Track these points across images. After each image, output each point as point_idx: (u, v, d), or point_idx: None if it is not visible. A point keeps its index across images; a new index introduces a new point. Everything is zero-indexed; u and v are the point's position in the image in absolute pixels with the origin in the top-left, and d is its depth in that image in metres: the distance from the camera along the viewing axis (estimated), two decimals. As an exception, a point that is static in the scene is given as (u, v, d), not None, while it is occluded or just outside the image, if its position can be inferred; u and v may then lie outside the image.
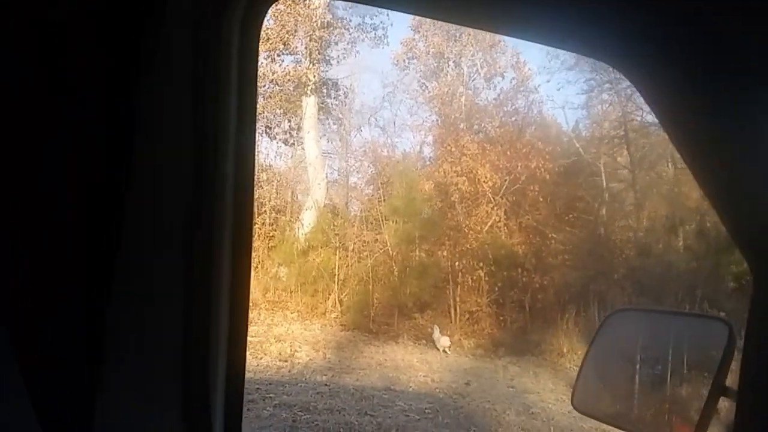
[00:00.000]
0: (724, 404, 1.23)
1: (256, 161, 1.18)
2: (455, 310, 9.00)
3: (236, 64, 1.07)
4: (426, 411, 6.08)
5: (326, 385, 6.68)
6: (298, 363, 7.40)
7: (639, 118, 10.08)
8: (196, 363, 1.00)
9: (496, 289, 9.14)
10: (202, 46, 0.96)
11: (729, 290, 7.26)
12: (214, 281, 1.03)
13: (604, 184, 10.06)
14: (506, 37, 11.22)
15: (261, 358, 7.36)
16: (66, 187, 0.78)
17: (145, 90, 0.86)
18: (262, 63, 10.21)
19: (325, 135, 11.46)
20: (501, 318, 8.99)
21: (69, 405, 0.81)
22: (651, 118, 9.80)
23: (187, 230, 0.98)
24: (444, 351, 8.24)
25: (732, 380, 1.19)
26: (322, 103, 11.18)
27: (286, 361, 7.44)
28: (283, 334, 8.17)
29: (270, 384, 6.45)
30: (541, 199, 9.66)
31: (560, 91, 14.91)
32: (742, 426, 1.14)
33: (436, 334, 8.32)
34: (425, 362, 7.81)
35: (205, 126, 0.98)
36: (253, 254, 9.83)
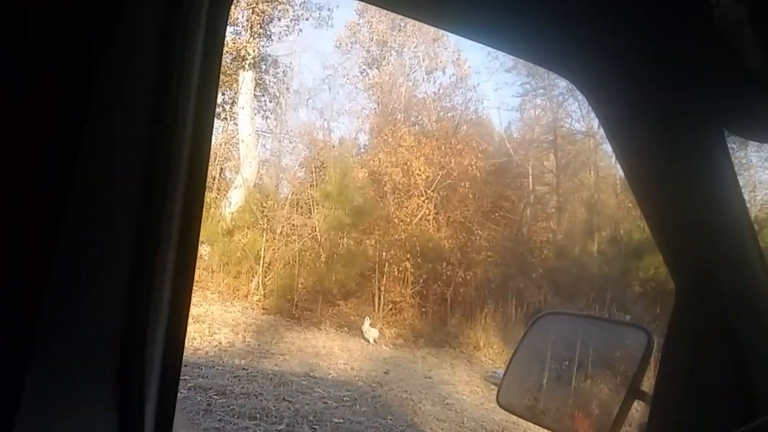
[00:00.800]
0: (638, 407, 1.30)
1: (210, 148, 1.12)
2: (379, 299, 9.07)
3: (202, 37, 1.01)
4: (344, 399, 6.10)
5: (244, 369, 6.54)
6: (216, 345, 7.21)
7: (568, 125, 10.56)
8: (133, 349, 0.95)
9: (421, 280, 9.30)
10: (167, 22, 0.90)
11: (636, 294, 7.76)
12: (158, 265, 0.98)
13: (531, 185, 10.46)
14: (449, 33, 11.36)
15: (177, 339, 7.09)
16: (12, 151, 0.71)
17: (105, 65, 0.79)
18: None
19: (260, 112, 11.16)
20: (423, 309, 9.16)
21: None
22: (579, 125, 10.28)
23: (134, 216, 0.92)
24: (374, 342, 8.29)
25: (647, 385, 1.26)
26: (260, 80, 10.87)
27: (203, 342, 7.23)
28: (202, 315, 7.92)
29: (185, 366, 6.23)
30: (470, 196, 9.90)
31: (497, 92, 15.27)
32: (653, 427, 1.21)
33: (366, 325, 8.34)
34: (346, 350, 7.83)
35: (162, 107, 0.92)
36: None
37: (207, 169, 1.09)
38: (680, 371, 1.19)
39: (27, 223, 0.73)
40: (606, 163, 9.97)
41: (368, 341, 8.28)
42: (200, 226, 1.12)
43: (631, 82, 1.03)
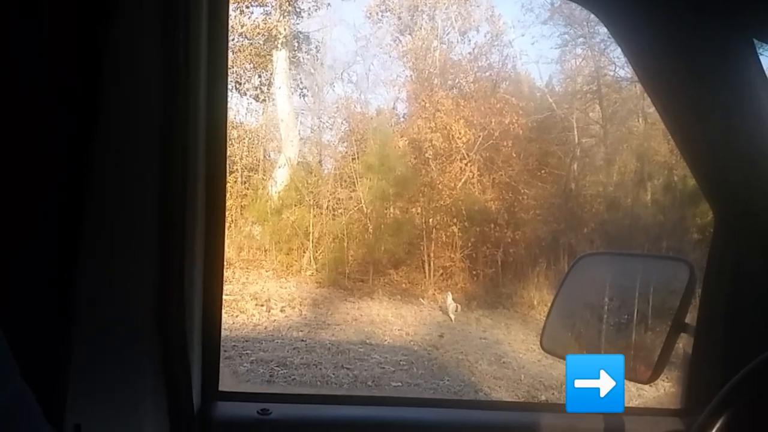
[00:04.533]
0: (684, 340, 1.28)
1: (227, 119, 1.15)
2: (429, 265, 9.11)
3: (206, 15, 1.03)
4: (401, 363, 6.23)
5: (302, 340, 6.76)
6: (274, 320, 7.47)
7: (612, 73, 10.12)
8: (173, 319, 1.00)
9: (470, 244, 9.26)
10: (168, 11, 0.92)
11: (693, 241, 7.50)
12: (188, 235, 1.02)
13: (576, 139, 10.15)
14: (480, -10, 11.03)
15: (237, 316, 7.39)
16: (33, 136, 0.75)
17: (112, 42, 0.82)
18: (231, 16, 9.81)
19: (296, 90, 11.22)
20: (474, 272, 9.15)
21: (44, 365, 0.80)
22: (623, 72, 9.84)
23: (160, 188, 0.96)
24: (452, 317, 8.07)
25: (692, 318, 1.25)
26: (294, 58, 10.90)
27: (262, 318, 7.49)
28: (259, 292, 8.19)
29: (246, 341, 6.50)
30: (514, 155, 9.71)
31: (534, 46, 14.78)
32: (697, 359, 1.20)
33: (449, 300, 8.13)
34: (400, 317, 7.95)
35: (174, 80, 0.95)
36: (227, 213, 9.78)
37: (226, 147, 1.13)
38: (721, 301, 1.17)
39: (51, 216, 0.77)
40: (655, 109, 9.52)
41: (451, 317, 8.06)
42: (225, 201, 1.17)
43: (652, 2, 0.99)
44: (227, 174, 1.17)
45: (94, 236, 0.82)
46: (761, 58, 0.95)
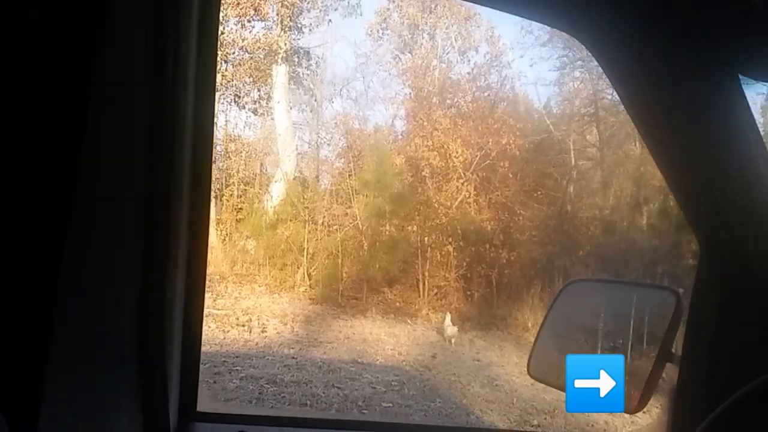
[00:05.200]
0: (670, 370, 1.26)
1: (215, 130, 1.15)
2: (424, 284, 9.07)
3: (196, 26, 1.03)
4: (392, 383, 6.16)
5: (294, 358, 6.70)
6: (266, 336, 7.40)
7: (609, 97, 10.19)
8: (153, 338, 0.98)
9: (464, 264, 9.23)
10: (161, 7, 0.92)
11: (688, 267, 7.49)
12: (171, 253, 1.00)
13: (573, 161, 10.19)
14: (481, 11, 11.15)
15: (228, 332, 7.33)
16: (15, 139, 0.73)
17: (102, 51, 0.82)
18: (231, 29, 9.92)
19: (295, 105, 11.27)
20: (468, 293, 9.11)
21: (16, 382, 0.78)
22: (620, 97, 9.91)
23: (144, 202, 0.94)
24: (449, 341, 7.83)
25: (679, 347, 1.23)
26: (293, 73, 10.97)
27: (253, 334, 7.43)
28: (251, 308, 8.13)
29: (237, 357, 6.44)
30: (510, 176, 9.73)
31: (533, 67, 14.87)
32: (683, 389, 1.18)
33: (447, 321, 7.92)
34: (393, 336, 7.89)
35: (162, 89, 0.94)
36: (221, 227, 9.77)
37: (211, 159, 1.12)
38: (707, 331, 1.15)
39: (34, 222, 0.75)
40: (652, 133, 9.56)
41: (445, 340, 7.81)
42: (209, 218, 1.16)
43: (637, 31, 0.99)
44: (212, 190, 1.14)
45: (75, 250, 0.81)
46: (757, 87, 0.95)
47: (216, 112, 1.13)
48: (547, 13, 1.11)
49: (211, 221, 9.51)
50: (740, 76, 0.97)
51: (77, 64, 0.76)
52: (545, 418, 5.74)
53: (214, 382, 5.69)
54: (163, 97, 0.95)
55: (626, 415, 5.05)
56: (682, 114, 1.01)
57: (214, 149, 1.18)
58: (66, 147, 0.75)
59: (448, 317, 8.01)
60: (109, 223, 0.90)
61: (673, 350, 1.20)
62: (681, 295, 1.23)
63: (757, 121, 1.03)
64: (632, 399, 1.24)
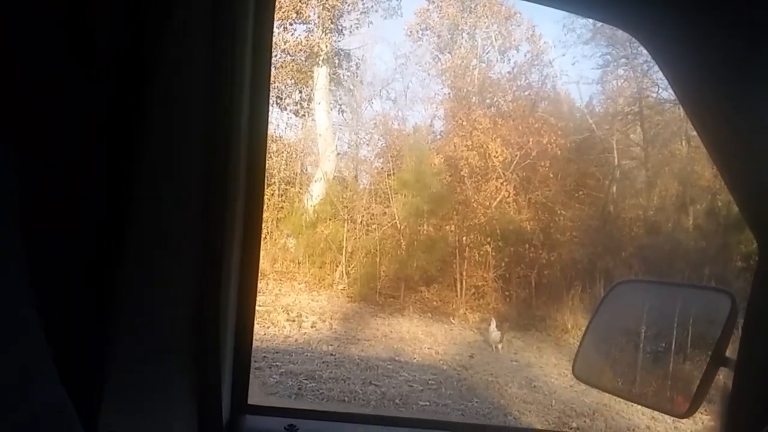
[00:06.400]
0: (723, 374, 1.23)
1: (268, 129, 1.18)
2: (461, 284, 9.03)
3: (251, 31, 1.06)
4: (430, 382, 6.16)
5: (332, 354, 6.77)
6: (305, 333, 7.51)
7: (654, 95, 9.92)
8: (208, 331, 1.02)
9: (503, 264, 9.15)
10: (218, 12, 0.95)
11: (737, 269, 7.23)
12: (226, 246, 1.04)
13: (616, 161, 9.95)
14: (522, 10, 11.01)
15: (268, 328, 7.46)
16: (77, 135, 0.77)
17: (163, 51, 0.84)
18: (274, 32, 10.07)
19: (335, 106, 11.37)
20: (506, 293, 9.02)
21: (80, 370, 0.82)
22: (666, 94, 9.64)
23: (201, 197, 0.98)
24: (495, 347, 7.67)
25: (732, 351, 1.20)
26: (334, 74, 11.08)
27: (293, 330, 7.54)
28: (291, 305, 8.26)
29: (277, 353, 6.55)
30: (551, 175, 9.59)
31: (575, 66, 14.61)
32: (737, 394, 1.16)
33: (492, 326, 7.76)
34: (430, 335, 7.89)
35: (220, 90, 0.97)
36: (263, 225, 9.93)
37: (265, 157, 1.15)
38: (764, 334, 1.12)
39: (93, 219, 0.78)
40: (699, 132, 9.25)
41: (492, 346, 7.66)
42: (262, 215, 1.19)
43: (696, 26, 0.98)
44: (265, 185, 1.18)
45: (134, 243, 0.84)
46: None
47: (269, 115, 1.16)
48: (601, 9, 1.10)
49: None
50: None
51: (139, 63, 0.78)
52: (585, 421, 5.65)
53: (255, 377, 5.81)
54: (221, 97, 0.98)
55: (669, 420, 4.92)
56: (741, 111, 0.99)
57: (268, 152, 1.21)
58: (126, 146, 0.78)
59: (494, 323, 7.83)
60: (166, 222, 0.93)
61: (727, 354, 1.18)
62: (736, 297, 1.21)
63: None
64: (684, 402, 1.22)
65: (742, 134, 1.04)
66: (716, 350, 1.17)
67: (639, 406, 5.54)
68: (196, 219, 0.98)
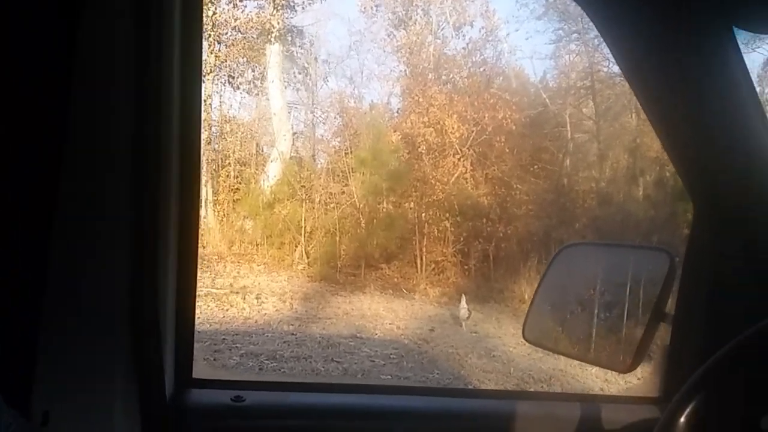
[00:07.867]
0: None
1: (201, 113, 1.14)
2: (421, 260, 9.12)
3: (180, 7, 1.02)
4: (391, 356, 6.24)
5: (293, 334, 6.76)
6: (265, 314, 7.45)
7: (606, 69, 10.12)
8: (146, 305, 0.99)
9: (462, 239, 9.27)
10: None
11: (684, 236, 7.53)
12: (162, 221, 1.00)
13: (569, 135, 10.16)
14: (475, -16, 10.99)
15: (227, 310, 7.37)
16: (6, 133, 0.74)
17: (84, 39, 0.81)
18: (224, 9, 9.78)
19: (290, 85, 11.18)
20: (465, 267, 9.16)
21: (10, 350, 0.79)
22: (617, 69, 9.85)
23: (133, 175, 0.95)
24: (462, 323, 7.64)
25: (672, 307, 1.24)
26: (287, 52, 10.85)
27: (252, 312, 7.48)
28: (250, 286, 8.17)
29: (236, 335, 6.49)
30: (507, 150, 9.71)
31: (528, 41, 14.80)
32: (675, 348, 1.20)
33: (463, 302, 7.67)
34: (391, 311, 7.96)
35: (147, 72, 0.93)
36: (218, 207, 9.75)
37: (200, 139, 1.11)
38: (700, 290, 1.16)
39: (24, 203, 0.75)
40: (648, 105, 9.51)
41: (460, 324, 7.61)
42: (200, 188, 1.15)
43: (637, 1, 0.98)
44: (201, 159, 1.14)
45: (67, 223, 0.81)
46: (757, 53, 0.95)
47: (203, 95, 1.12)
48: None
49: (208, 201, 9.49)
50: (734, 28, 0.95)
51: (59, 57, 0.76)
52: (542, 386, 5.83)
53: (215, 359, 5.75)
54: (147, 82, 0.95)
55: (622, 382, 5.13)
56: (677, 70, 1.00)
57: (201, 134, 1.17)
58: (52, 136, 0.76)
59: (464, 299, 7.77)
60: (99, 200, 0.90)
61: (666, 311, 1.22)
62: (674, 256, 1.24)
63: (753, 81, 1.03)
64: (626, 358, 1.26)
65: (676, 92, 1.05)
66: (656, 307, 1.21)
67: (593, 369, 5.76)
68: (130, 196, 0.95)
